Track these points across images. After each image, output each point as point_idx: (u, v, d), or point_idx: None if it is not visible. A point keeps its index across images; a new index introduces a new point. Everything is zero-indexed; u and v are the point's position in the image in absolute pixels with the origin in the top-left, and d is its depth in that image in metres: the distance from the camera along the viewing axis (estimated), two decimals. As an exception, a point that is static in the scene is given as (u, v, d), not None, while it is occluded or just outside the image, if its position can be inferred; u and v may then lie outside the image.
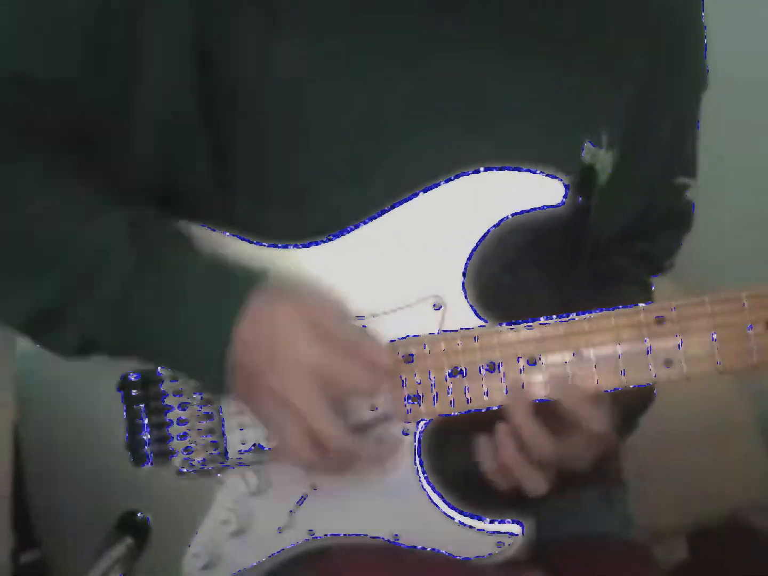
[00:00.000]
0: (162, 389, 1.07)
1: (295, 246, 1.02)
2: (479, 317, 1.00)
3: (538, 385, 0.98)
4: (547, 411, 0.98)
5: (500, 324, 0.99)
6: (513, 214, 0.99)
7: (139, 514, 1.07)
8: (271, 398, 0.96)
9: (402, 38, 1.01)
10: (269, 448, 1.03)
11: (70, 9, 0.98)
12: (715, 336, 0.96)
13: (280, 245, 1.03)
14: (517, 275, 1.05)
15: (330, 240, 1.02)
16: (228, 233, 1.04)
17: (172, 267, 0.98)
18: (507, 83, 1.03)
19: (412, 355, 1.00)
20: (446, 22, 1.01)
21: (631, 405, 1.10)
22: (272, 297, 0.97)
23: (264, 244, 1.03)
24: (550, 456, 0.98)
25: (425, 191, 1.01)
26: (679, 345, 0.96)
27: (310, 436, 0.96)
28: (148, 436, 1.07)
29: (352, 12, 1.00)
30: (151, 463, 1.07)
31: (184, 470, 1.06)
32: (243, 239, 1.03)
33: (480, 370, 0.99)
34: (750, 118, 1.65)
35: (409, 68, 1.01)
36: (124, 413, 1.07)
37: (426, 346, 1.00)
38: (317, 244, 1.02)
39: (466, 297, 1.00)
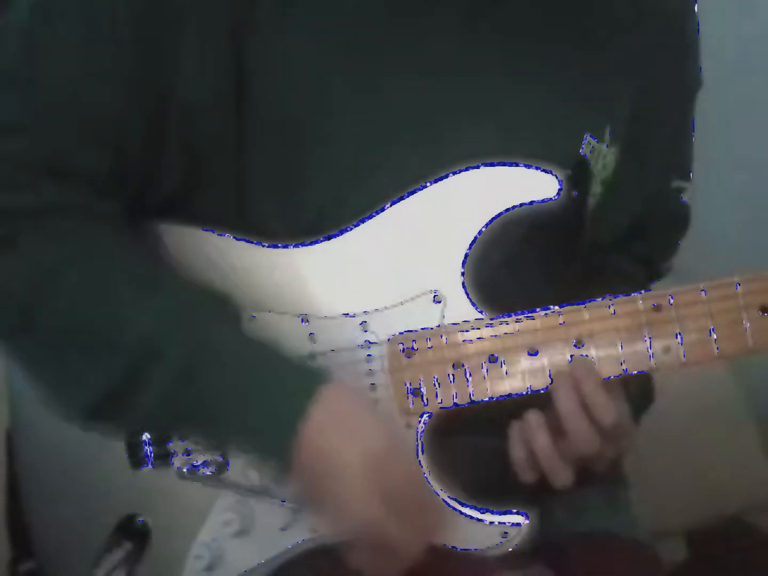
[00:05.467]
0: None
1: (297, 245, 1.03)
2: (479, 310, 1.01)
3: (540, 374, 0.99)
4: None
5: (500, 316, 1.00)
6: (509, 209, 1.01)
7: (139, 519, 1.07)
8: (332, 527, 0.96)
9: (405, 33, 1.02)
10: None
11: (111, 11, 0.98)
12: (711, 322, 0.97)
13: (281, 245, 1.03)
14: (515, 268, 1.05)
15: (331, 238, 1.03)
16: (231, 235, 1.04)
17: (228, 356, 0.96)
18: (510, 78, 1.04)
19: (413, 349, 1.01)
20: (450, 18, 1.03)
21: (631, 402, 1.11)
22: (333, 416, 0.94)
23: (266, 244, 1.04)
24: (592, 442, 0.98)
25: (423, 188, 1.02)
26: (677, 332, 0.98)
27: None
28: (148, 438, 1.06)
29: (356, 7, 1.01)
30: (152, 465, 1.06)
31: (185, 472, 1.06)
32: (244, 240, 1.04)
33: (481, 362, 1.00)
34: (747, 115, 1.68)
35: (412, 64, 1.02)
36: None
37: (428, 340, 1.01)
38: (319, 242, 1.03)
39: (465, 290, 1.01)
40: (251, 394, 0.95)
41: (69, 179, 0.98)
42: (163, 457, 1.06)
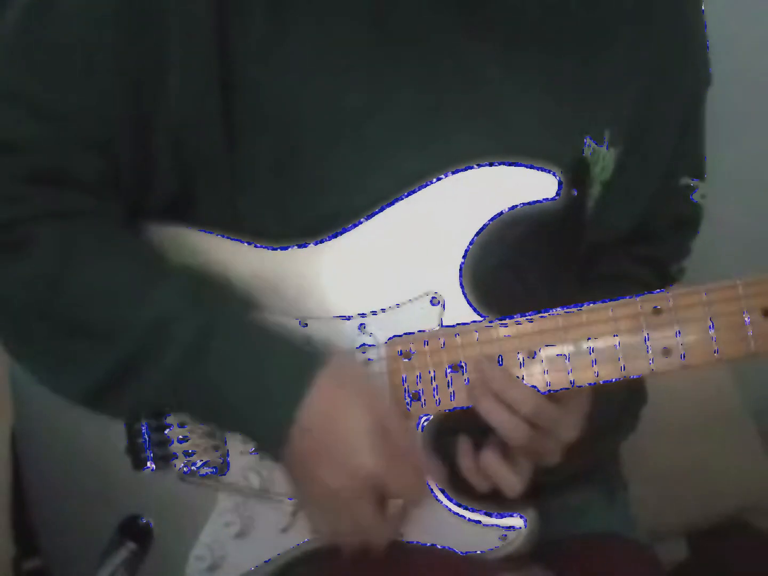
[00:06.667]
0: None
1: (295, 247, 1.03)
2: (477, 312, 1.01)
3: (539, 377, 0.99)
4: None
5: (498, 318, 1.00)
6: (508, 209, 1.01)
7: (141, 519, 1.07)
8: (326, 492, 0.97)
9: (405, 33, 1.02)
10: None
11: (97, 28, 0.98)
12: (712, 324, 0.97)
13: (280, 247, 1.03)
14: (513, 269, 1.05)
15: (329, 239, 1.03)
16: (230, 237, 1.04)
17: (234, 339, 0.98)
18: (511, 79, 1.04)
19: (412, 351, 1.01)
20: (451, 19, 1.03)
21: (623, 403, 1.11)
22: (336, 384, 0.98)
23: (265, 246, 1.04)
24: (534, 414, 0.98)
25: (420, 189, 1.02)
26: (677, 334, 0.97)
27: (357, 534, 0.99)
28: (149, 440, 1.07)
29: (357, 7, 1.01)
30: (153, 467, 1.07)
31: (187, 473, 1.06)
32: (242, 242, 1.04)
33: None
34: (749, 114, 1.68)
35: (414, 63, 1.02)
36: (124, 417, 1.08)
37: (426, 342, 1.01)
38: (317, 243, 1.03)
39: (463, 292, 1.01)
40: (254, 376, 0.97)
41: (64, 186, 0.99)
42: (165, 459, 1.07)
